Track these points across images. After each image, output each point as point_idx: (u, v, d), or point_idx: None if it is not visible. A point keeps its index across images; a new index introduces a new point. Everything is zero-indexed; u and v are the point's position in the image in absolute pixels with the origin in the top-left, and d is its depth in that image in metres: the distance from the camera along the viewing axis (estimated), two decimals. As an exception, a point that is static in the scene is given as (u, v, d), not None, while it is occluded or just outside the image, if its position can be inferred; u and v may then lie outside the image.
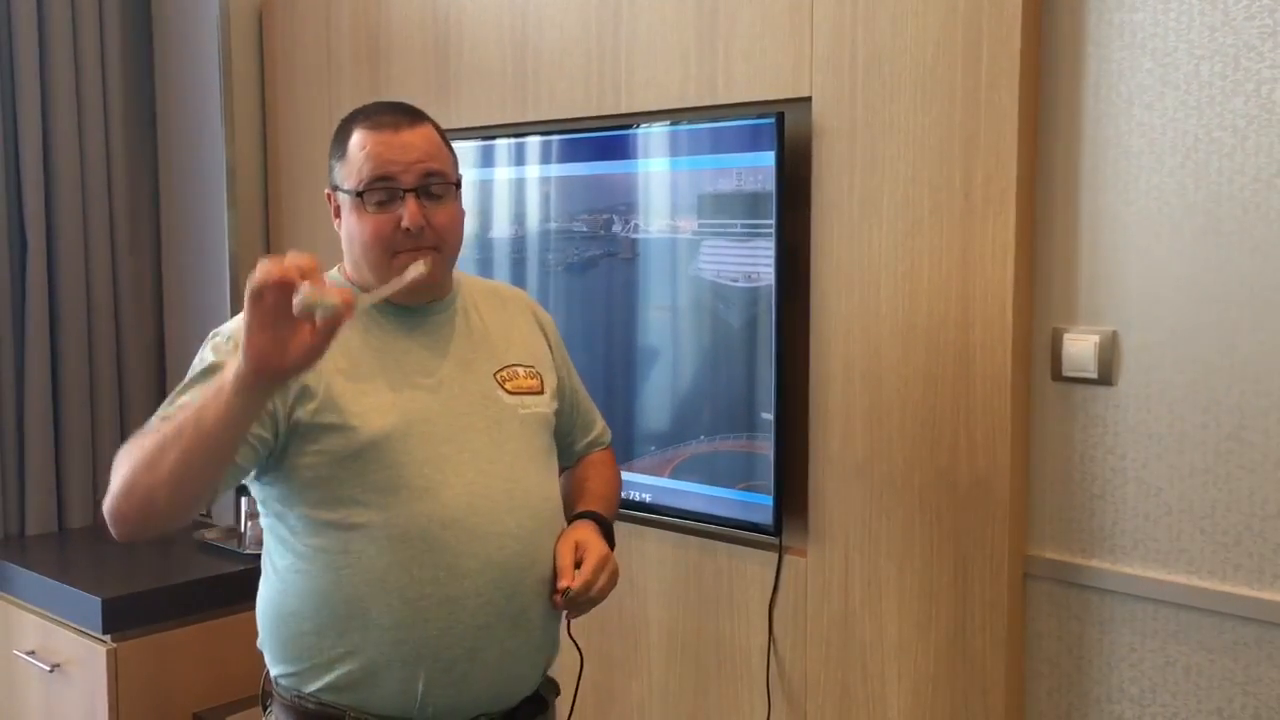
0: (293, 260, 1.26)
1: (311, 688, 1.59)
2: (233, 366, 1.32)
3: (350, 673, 1.57)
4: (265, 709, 1.69)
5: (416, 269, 1.48)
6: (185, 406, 1.41)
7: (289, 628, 1.60)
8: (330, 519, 1.56)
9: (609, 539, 1.72)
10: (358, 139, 1.60)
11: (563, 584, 1.61)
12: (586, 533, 1.68)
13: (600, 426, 1.94)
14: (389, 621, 1.55)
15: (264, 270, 1.26)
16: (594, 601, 1.64)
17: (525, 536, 1.61)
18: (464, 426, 1.62)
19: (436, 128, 1.66)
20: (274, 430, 1.54)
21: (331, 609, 1.57)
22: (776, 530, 2.17)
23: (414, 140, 1.60)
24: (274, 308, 1.25)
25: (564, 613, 1.70)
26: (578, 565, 1.63)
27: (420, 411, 1.60)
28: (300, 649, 1.59)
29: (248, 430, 1.42)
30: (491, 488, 1.60)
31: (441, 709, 1.58)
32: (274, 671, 1.65)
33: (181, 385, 1.55)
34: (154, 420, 1.48)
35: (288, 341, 1.27)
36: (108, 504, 1.44)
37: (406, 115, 1.63)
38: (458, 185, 1.65)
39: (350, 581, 1.56)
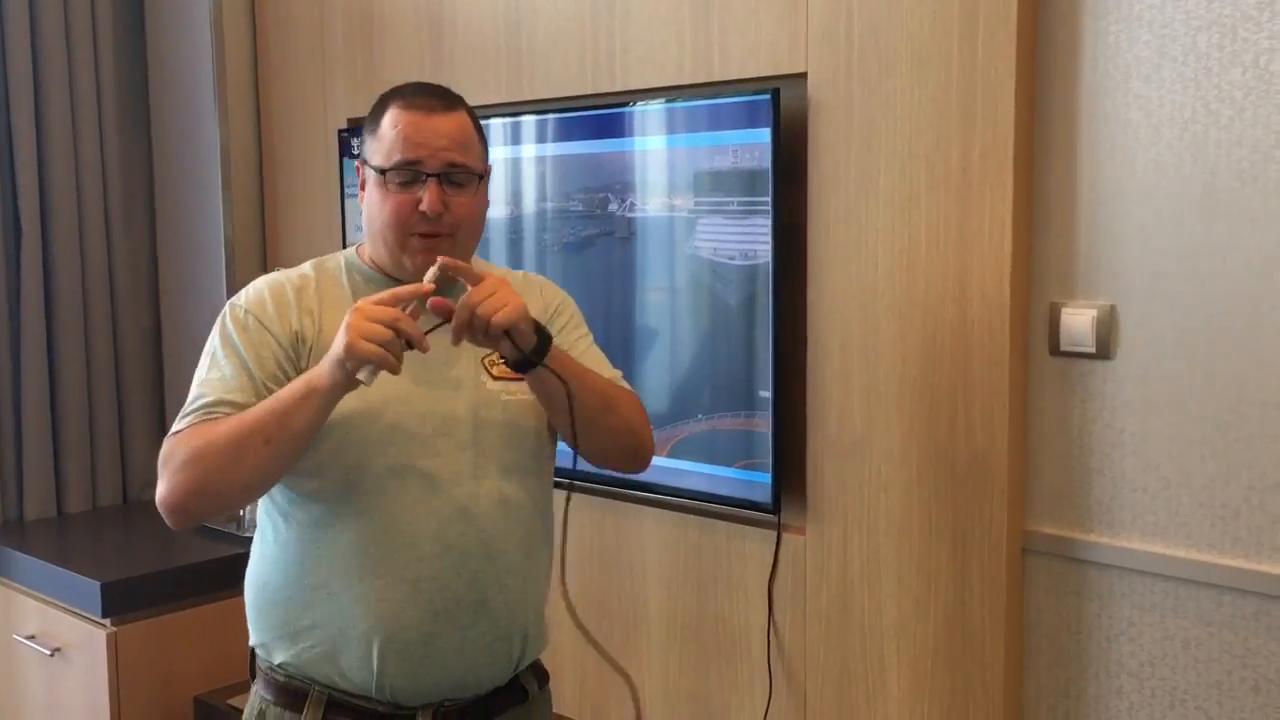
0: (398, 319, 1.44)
1: (279, 659, 1.63)
2: (326, 374, 1.45)
3: (312, 646, 1.60)
4: (253, 680, 1.71)
5: (430, 274, 1.51)
6: (265, 405, 1.50)
7: (263, 596, 1.65)
8: (302, 492, 1.60)
9: (542, 341, 1.53)
10: (391, 117, 1.61)
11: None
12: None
13: (609, 376, 1.75)
14: (347, 598, 1.58)
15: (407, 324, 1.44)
16: (477, 306, 1.47)
17: (491, 524, 1.61)
18: (441, 410, 1.62)
19: (471, 115, 1.66)
20: None
21: (299, 581, 1.60)
22: (775, 508, 2.17)
23: (445, 126, 1.60)
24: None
25: (547, 597, 1.69)
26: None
27: (397, 392, 1.60)
28: (272, 619, 1.64)
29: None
30: (460, 473, 1.60)
31: (400, 689, 1.60)
32: (252, 640, 1.68)
33: (209, 359, 1.61)
34: (196, 406, 1.56)
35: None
36: (169, 498, 1.52)
37: (442, 100, 1.63)
38: (482, 177, 1.65)
39: (315, 555, 1.59)
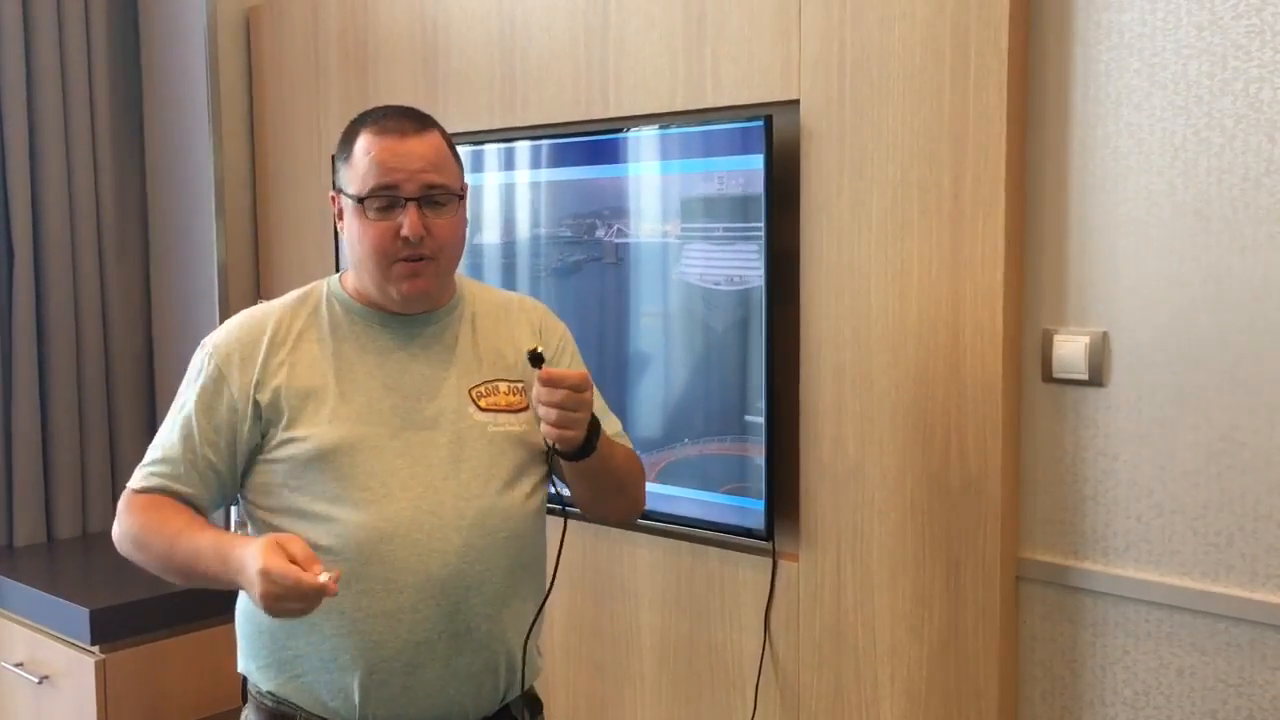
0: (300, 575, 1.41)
1: (268, 686, 1.64)
2: (248, 561, 1.44)
3: (296, 675, 1.60)
4: (245, 703, 1.71)
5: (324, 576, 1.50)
6: (184, 545, 1.55)
7: (251, 625, 1.66)
8: (282, 524, 1.59)
9: (593, 431, 1.60)
10: (363, 143, 1.60)
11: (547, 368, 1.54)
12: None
13: (612, 432, 1.80)
14: (328, 629, 1.57)
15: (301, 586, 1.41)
16: (561, 404, 1.53)
17: (473, 555, 1.59)
18: (422, 441, 1.61)
19: (444, 134, 1.65)
20: (232, 461, 1.64)
21: None
22: (769, 535, 2.16)
23: (419, 149, 1.58)
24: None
25: (535, 626, 1.68)
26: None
27: (376, 424, 1.59)
28: (259, 646, 1.64)
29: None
30: (441, 504, 1.59)
31: (383, 719, 1.59)
32: (241, 666, 1.69)
33: (175, 404, 1.66)
34: (144, 461, 1.65)
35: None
36: (120, 545, 1.64)
37: (414, 122, 1.61)
38: (460, 196, 1.64)
39: None
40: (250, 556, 1.42)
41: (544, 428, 1.56)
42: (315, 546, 1.56)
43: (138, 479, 1.64)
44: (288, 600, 1.40)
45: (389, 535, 1.57)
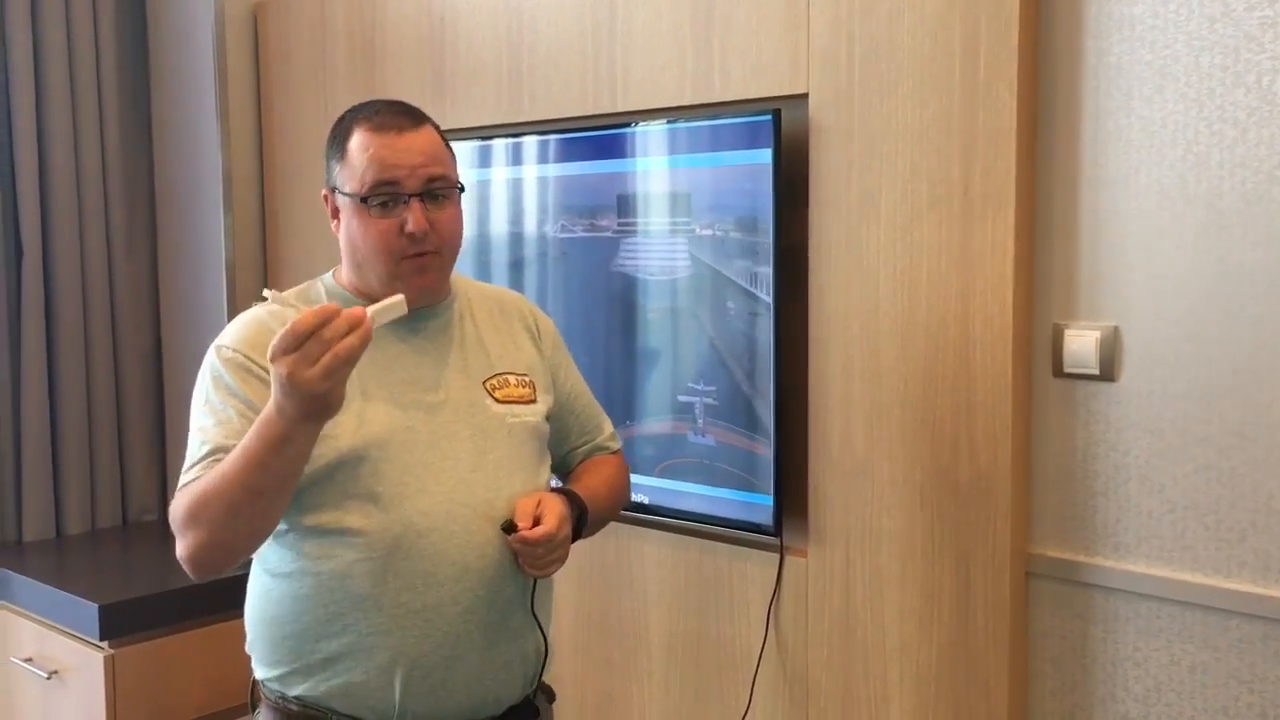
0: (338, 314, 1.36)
1: (295, 691, 1.60)
2: (287, 419, 1.37)
3: (329, 677, 1.58)
4: (253, 710, 1.69)
5: (398, 310, 1.44)
6: (240, 459, 1.43)
7: (273, 631, 1.61)
8: (312, 525, 1.57)
9: (579, 522, 1.66)
10: (360, 141, 1.59)
11: (521, 525, 1.57)
12: (552, 497, 1.63)
13: (607, 432, 1.90)
14: (366, 628, 1.56)
15: (342, 318, 1.35)
16: (541, 560, 1.58)
17: (505, 545, 1.59)
18: (448, 435, 1.61)
19: (436, 128, 1.65)
20: None
21: (312, 614, 1.57)
22: (777, 531, 2.16)
23: (417, 143, 1.58)
24: (343, 354, 1.34)
25: (551, 614, 1.70)
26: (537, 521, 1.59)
27: (403, 420, 1.59)
28: (283, 652, 1.60)
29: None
30: (473, 496, 1.59)
31: (420, 715, 1.58)
32: (259, 674, 1.66)
33: (206, 407, 1.57)
34: (199, 457, 1.53)
35: (344, 375, 1.36)
36: (185, 557, 1.52)
37: (409, 117, 1.61)
38: (461, 189, 1.65)
39: (329, 587, 1.56)
40: (275, 391, 1.36)
41: (529, 570, 1.60)
42: (352, 544, 1.55)
43: (194, 475, 1.52)
44: (321, 355, 1.32)
45: (426, 530, 1.56)
